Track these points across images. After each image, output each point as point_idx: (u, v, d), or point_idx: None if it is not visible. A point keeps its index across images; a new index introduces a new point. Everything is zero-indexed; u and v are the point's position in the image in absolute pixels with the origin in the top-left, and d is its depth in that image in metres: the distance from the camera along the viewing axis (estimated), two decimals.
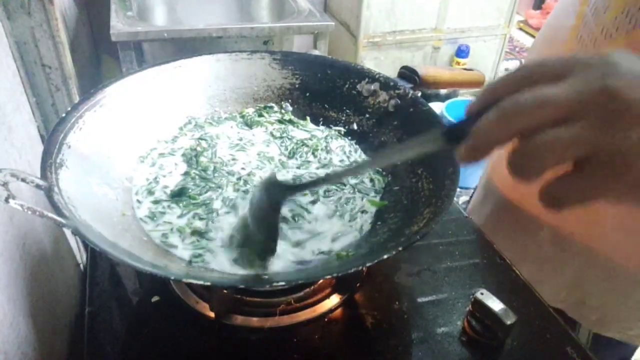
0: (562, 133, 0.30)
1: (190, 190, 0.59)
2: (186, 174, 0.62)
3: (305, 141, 0.70)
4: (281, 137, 0.71)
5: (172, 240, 0.53)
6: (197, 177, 0.61)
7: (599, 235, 0.67)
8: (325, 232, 0.56)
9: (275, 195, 0.52)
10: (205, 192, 0.60)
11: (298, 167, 0.66)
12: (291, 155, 0.68)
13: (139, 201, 0.58)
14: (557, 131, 0.30)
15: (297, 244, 0.54)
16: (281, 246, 0.53)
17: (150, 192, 0.59)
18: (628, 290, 0.69)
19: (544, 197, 0.33)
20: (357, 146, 0.71)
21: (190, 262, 0.51)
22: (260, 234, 0.52)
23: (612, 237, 0.66)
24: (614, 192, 0.31)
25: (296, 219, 0.57)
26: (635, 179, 0.30)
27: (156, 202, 0.58)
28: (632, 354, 0.83)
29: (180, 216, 0.57)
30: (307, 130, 0.72)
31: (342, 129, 0.72)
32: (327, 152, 0.69)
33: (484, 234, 0.71)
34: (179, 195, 0.59)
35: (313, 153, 0.68)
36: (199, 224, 0.56)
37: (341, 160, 0.68)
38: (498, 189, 0.81)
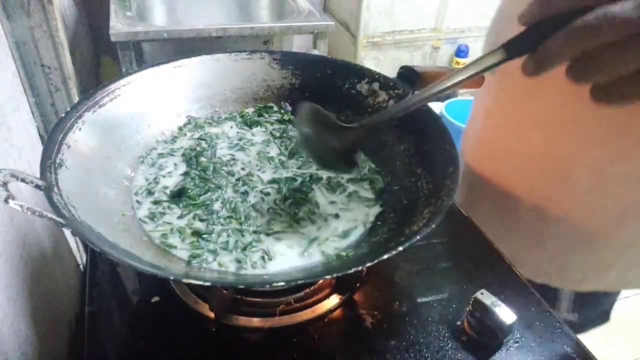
0: (632, 47, 0.33)
1: (190, 191, 0.59)
2: (186, 174, 0.62)
3: None
4: (281, 137, 0.71)
5: (171, 240, 0.53)
6: (196, 177, 0.61)
7: (573, 199, 0.70)
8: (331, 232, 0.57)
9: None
10: (205, 193, 0.60)
11: (299, 167, 0.66)
12: (291, 155, 0.68)
13: (138, 202, 0.58)
14: (627, 46, 0.33)
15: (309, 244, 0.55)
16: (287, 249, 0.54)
17: (150, 193, 0.59)
18: (605, 245, 0.72)
19: (595, 92, 0.38)
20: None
21: (189, 262, 0.51)
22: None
23: (584, 200, 0.68)
24: None
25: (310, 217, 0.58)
26: None
27: (156, 202, 0.58)
28: (610, 306, 0.87)
29: (180, 217, 0.57)
30: None
31: None
32: None
33: (484, 234, 0.70)
34: (178, 195, 0.59)
35: None
36: (199, 225, 0.56)
37: None
38: (473, 169, 0.82)
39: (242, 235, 0.55)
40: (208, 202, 0.58)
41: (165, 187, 0.60)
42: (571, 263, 0.75)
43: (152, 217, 0.56)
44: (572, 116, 0.64)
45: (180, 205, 0.58)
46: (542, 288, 0.71)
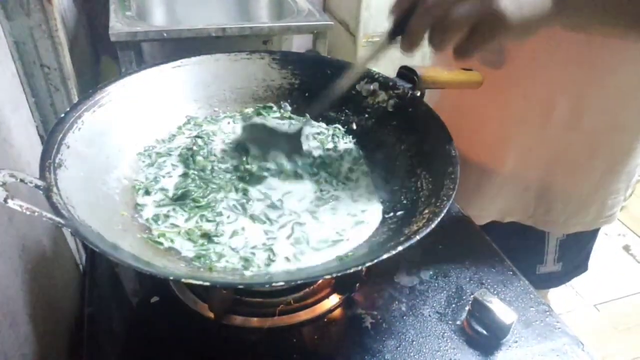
0: (459, 11, 0.45)
1: (193, 193, 0.59)
2: (184, 175, 0.62)
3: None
4: None
5: (178, 244, 0.53)
6: (196, 178, 0.61)
7: (550, 140, 0.76)
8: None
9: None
10: (209, 194, 0.59)
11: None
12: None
13: (138, 204, 0.58)
14: (456, 10, 0.45)
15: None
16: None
17: (147, 192, 0.59)
18: (586, 188, 0.80)
19: (455, 52, 0.49)
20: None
21: (190, 262, 0.51)
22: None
23: (561, 139, 0.75)
24: (496, 35, 0.47)
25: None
26: (507, 25, 0.46)
27: (159, 205, 0.58)
28: (588, 254, 0.94)
29: (188, 220, 0.56)
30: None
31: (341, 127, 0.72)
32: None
33: (484, 234, 0.71)
34: (182, 199, 0.58)
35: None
36: (207, 226, 0.55)
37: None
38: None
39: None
40: (213, 203, 0.58)
41: (165, 189, 0.60)
42: (554, 207, 0.82)
43: (156, 219, 0.56)
44: (546, 63, 0.70)
45: (185, 208, 0.57)
46: (531, 230, 0.85)
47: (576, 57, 0.68)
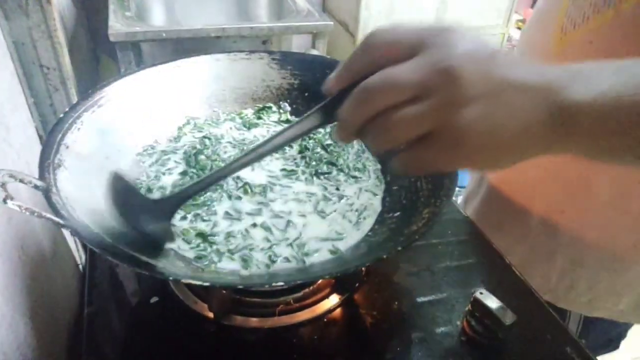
0: (407, 111, 0.33)
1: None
2: (184, 173, 0.62)
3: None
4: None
5: (175, 244, 0.53)
6: (194, 176, 0.61)
7: (590, 213, 0.67)
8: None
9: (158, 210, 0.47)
10: (205, 193, 0.59)
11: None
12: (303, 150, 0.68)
13: None
14: (404, 110, 0.33)
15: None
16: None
17: (150, 190, 0.59)
18: (617, 268, 0.69)
19: (392, 165, 0.38)
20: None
21: (193, 262, 0.51)
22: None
23: (602, 214, 0.66)
24: (449, 161, 0.36)
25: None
26: (468, 150, 0.34)
27: None
28: (622, 332, 0.84)
29: (183, 218, 0.56)
30: None
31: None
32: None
33: (484, 234, 0.70)
34: None
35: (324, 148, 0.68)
36: (202, 226, 0.55)
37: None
38: (488, 180, 0.81)
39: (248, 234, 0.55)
40: (209, 202, 0.58)
41: (163, 187, 0.60)
42: (579, 284, 0.72)
43: None
44: None
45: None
46: (551, 308, 0.69)
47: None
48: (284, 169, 0.64)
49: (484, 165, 0.38)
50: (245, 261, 0.52)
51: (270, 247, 0.54)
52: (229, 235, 0.55)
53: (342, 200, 0.61)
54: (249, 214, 0.57)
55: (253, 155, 0.42)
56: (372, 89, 0.34)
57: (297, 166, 0.65)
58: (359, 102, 0.35)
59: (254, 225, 0.56)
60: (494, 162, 0.36)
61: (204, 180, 0.46)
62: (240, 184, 0.61)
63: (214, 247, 0.53)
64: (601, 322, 0.75)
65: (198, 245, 0.53)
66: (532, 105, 0.33)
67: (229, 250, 0.53)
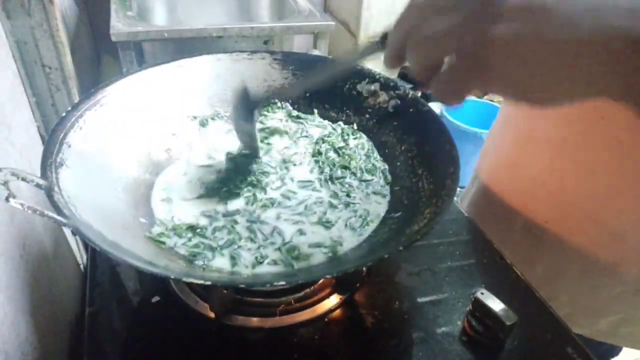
0: (436, 24, 0.33)
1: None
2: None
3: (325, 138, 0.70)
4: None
5: (172, 241, 0.53)
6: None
7: (572, 225, 0.67)
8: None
9: (248, 106, 0.61)
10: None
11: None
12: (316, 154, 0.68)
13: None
14: (433, 23, 0.34)
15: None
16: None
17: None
18: (598, 284, 0.68)
19: (432, 90, 0.37)
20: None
21: (190, 261, 0.51)
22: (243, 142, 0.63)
23: (583, 227, 0.65)
24: (479, 82, 0.34)
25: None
26: (491, 68, 0.32)
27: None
28: (610, 354, 0.82)
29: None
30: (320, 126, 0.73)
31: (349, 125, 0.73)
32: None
33: (484, 234, 0.70)
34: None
35: (336, 151, 0.68)
36: (203, 221, 0.56)
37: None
38: (481, 178, 0.82)
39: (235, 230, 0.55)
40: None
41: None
42: (560, 296, 0.71)
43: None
44: (575, 138, 0.62)
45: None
46: None
47: None
48: (301, 181, 0.64)
49: (517, 92, 0.33)
50: (233, 258, 0.53)
51: (258, 248, 0.54)
52: (216, 229, 0.56)
53: (349, 208, 0.60)
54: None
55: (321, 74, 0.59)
56: (413, 5, 0.36)
57: (312, 171, 0.65)
58: (399, 20, 0.37)
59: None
60: (528, 90, 0.33)
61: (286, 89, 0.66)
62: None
63: (205, 241, 0.54)
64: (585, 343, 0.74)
65: (190, 239, 0.54)
66: (597, 20, 0.29)
67: (219, 247, 0.53)
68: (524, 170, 0.72)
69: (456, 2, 0.33)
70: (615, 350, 0.84)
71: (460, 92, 0.36)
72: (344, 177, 0.64)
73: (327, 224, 0.57)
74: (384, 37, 0.43)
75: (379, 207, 0.61)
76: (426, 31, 0.34)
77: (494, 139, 0.82)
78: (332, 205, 0.60)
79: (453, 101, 0.36)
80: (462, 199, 0.88)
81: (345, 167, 0.66)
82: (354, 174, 0.65)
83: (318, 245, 0.54)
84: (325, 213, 0.59)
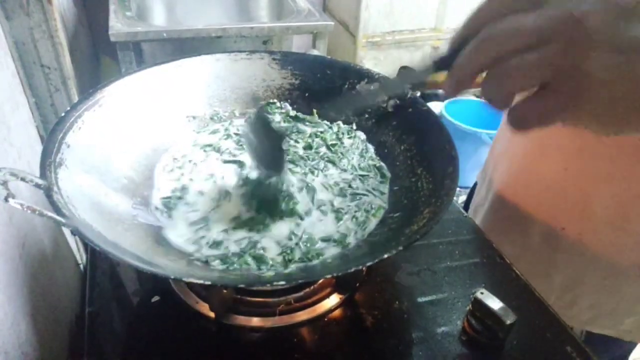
0: (528, 56, 0.32)
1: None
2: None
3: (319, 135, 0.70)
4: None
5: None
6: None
7: (590, 231, 0.67)
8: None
9: (274, 135, 0.56)
10: None
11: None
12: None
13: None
14: (525, 54, 0.32)
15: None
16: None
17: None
18: (620, 287, 0.68)
19: (510, 117, 0.35)
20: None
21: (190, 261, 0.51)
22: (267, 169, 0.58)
23: (603, 232, 0.66)
24: (572, 113, 0.33)
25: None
26: (592, 101, 0.32)
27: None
28: (627, 352, 0.82)
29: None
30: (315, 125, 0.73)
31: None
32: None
33: (484, 234, 0.71)
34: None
35: (329, 148, 0.69)
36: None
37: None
38: (495, 187, 0.81)
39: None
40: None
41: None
42: (581, 301, 0.71)
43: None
44: (591, 146, 0.62)
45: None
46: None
47: None
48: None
49: (609, 124, 0.34)
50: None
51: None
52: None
53: (355, 201, 0.61)
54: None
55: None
56: (493, 33, 0.33)
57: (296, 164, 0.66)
58: (479, 46, 0.34)
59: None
60: (618, 123, 0.33)
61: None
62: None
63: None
64: (602, 340, 0.73)
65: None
66: None
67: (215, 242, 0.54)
68: (539, 178, 0.71)
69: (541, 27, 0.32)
70: (631, 345, 0.83)
71: (547, 122, 0.35)
72: (326, 169, 0.65)
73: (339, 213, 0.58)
74: (445, 58, 0.38)
75: (378, 201, 0.61)
76: (515, 61, 0.32)
77: (506, 149, 0.80)
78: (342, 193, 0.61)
79: (533, 129, 0.35)
80: (475, 214, 0.87)
81: (331, 162, 0.66)
82: (345, 170, 0.65)
83: (327, 239, 0.55)
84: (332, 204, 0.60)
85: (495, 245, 0.68)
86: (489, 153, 0.87)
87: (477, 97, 2.18)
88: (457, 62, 0.36)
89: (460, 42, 0.37)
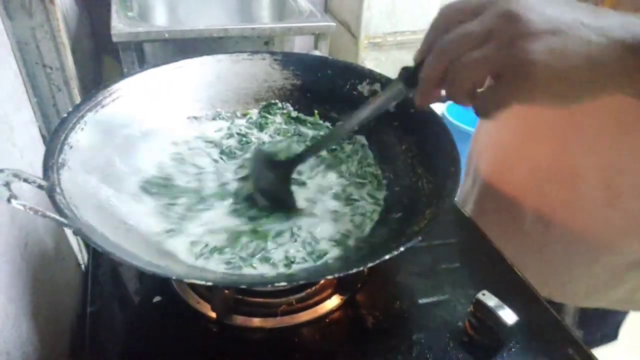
0: (474, 53, 0.38)
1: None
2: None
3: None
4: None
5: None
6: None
7: (580, 209, 0.69)
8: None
9: (280, 171, 0.59)
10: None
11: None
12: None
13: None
14: (472, 53, 0.38)
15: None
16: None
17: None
18: (613, 261, 0.70)
19: (474, 108, 0.41)
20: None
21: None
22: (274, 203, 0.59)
23: (592, 213, 0.68)
24: (522, 96, 0.39)
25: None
26: (537, 82, 0.37)
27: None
28: (618, 324, 0.84)
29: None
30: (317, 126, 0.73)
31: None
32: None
33: (485, 235, 0.70)
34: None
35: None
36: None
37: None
38: (482, 175, 0.82)
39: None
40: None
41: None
42: (574, 277, 0.73)
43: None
44: (578, 126, 0.64)
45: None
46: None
47: None
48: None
49: (555, 98, 0.39)
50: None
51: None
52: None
53: (349, 206, 0.61)
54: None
55: (346, 127, 0.54)
56: (445, 42, 0.40)
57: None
58: (436, 55, 0.41)
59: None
60: (564, 95, 0.38)
61: (316, 145, 0.61)
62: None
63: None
64: (597, 315, 0.77)
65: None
66: (602, 35, 0.36)
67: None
68: (526, 162, 0.73)
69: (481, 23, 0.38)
70: (614, 333, 0.85)
71: (504, 106, 0.40)
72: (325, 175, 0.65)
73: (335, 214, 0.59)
74: (409, 74, 0.45)
75: (376, 209, 0.61)
76: (465, 59, 0.38)
77: (490, 136, 0.82)
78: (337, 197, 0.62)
79: (496, 115, 0.41)
80: (464, 201, 0.88)
81: (330, 167, 0.66)
82: (343, 176, 0.65)
83: (328, 240, 0.56)
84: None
85: (496, 245, 0.68)
86: (470, 146, 0.90)
87: None
88: (420, 75, 0.42)
89: (422, 58, 0.42)
